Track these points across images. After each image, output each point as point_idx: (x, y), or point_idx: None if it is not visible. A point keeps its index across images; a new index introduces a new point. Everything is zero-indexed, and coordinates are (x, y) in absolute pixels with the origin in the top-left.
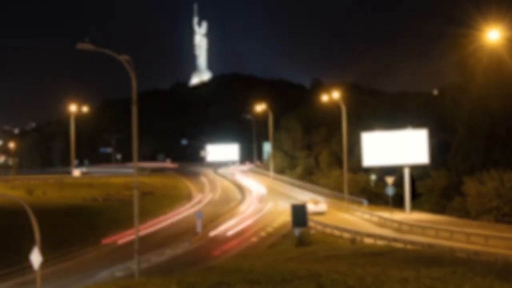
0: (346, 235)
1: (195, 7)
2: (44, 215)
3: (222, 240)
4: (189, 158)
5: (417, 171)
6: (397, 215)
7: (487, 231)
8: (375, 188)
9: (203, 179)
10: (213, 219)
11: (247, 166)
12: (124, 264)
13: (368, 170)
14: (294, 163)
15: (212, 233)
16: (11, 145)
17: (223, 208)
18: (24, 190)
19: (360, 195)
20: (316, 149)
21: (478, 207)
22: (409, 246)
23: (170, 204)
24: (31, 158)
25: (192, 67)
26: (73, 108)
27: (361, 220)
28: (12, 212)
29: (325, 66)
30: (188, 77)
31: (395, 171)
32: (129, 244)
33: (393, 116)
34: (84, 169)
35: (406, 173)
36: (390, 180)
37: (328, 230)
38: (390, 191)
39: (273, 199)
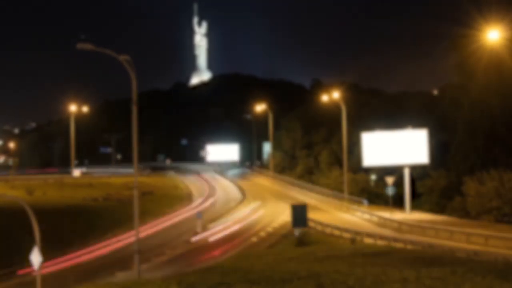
0: (346, 235)
1: (195, 7)
2: (44, 215)
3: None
4: (189, 158)
5: (417, 171)
6: (397, 215)
7: (487, 231)
8: (375, 188)
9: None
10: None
11: (247, 169)
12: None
13: (368, 170)
14: (294, 163)
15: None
16: (11, 145)
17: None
18: (24, 190)
19: (360, 195)
20: (316, 149)
21: (478, 207)
22: (409, 246)
23: (171, 205)
24: (31, 158)
25: (192, 67)
26: (73, 108)
27: (361, 220)
28: (12, 212)
29: (325, 66)
30: (188, 77)
31: (395, 171)
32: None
33: (393, 116)
34: (84, 169)
35: (406, 173)
36: (390, 180)
37: (328, 230)
38: (390, 191)
39: (273, 200)
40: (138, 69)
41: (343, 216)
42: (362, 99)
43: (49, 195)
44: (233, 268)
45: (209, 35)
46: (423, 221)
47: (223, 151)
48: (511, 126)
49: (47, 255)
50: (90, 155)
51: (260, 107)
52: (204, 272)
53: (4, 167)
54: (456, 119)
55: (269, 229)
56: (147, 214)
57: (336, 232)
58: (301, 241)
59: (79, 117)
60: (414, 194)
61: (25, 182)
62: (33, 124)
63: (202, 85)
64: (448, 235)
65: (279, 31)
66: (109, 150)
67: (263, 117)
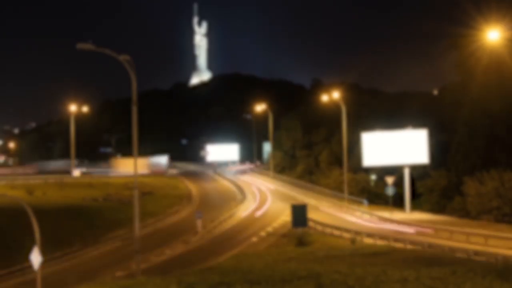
0: (346, 235)
1: (195, 7)
2: (44, 215)
3: None
4: (189, 158)
5: (417, 171)
6: (397, 215)
7: (487, 231)
8: (375, 188)
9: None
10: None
11: (247, 165)
12: None
13: (368, 170)
14: (294, 162)
15: None
16: (11, 145)
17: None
18: (24, 190)
19: (360, 195)
20: (316, 149)
21: (478, 207)
22: (409, 246)
23: (171, 205)
24: (31, 158)
25: (192, 67)
26: (73, 108)
27: (361, 220)
28: (12, 212)
29: (325, 66)
30: (188, 77)
31: (395, 171)
32: None
33: (393, 116)
34: (84, 169)
35: (406, 173)
36: (390, 180)
37: (328, 230)
38: (390, 191)
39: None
40: (138, 69)
41: (343, 216)
42: (362, 99)
43: (49, 195)
44: (233, 268)
45: (209, 35)
46: (423, 221)
47: (223, 151)
48: (511, 126)
49: (47, 255)
50: (90, 155)
51: (260, 107)
52: (204, 272)
53: (5, 167)
54: (456, 119)
55: (269, 229)
56: (148, 215)
57: (336, 232)
58: (301, 241)
59: (79, 117)
60: (414, 194)
61: (25, 182)
62: (33, 124)
63: (202, 85)
64: (448, 235)
65: (279, 31)
66: (109, 150)
67: (263, 117)
